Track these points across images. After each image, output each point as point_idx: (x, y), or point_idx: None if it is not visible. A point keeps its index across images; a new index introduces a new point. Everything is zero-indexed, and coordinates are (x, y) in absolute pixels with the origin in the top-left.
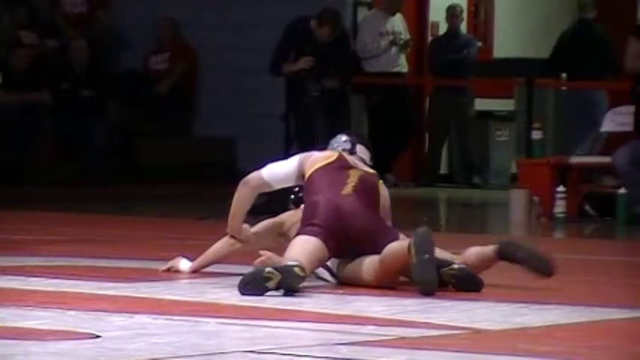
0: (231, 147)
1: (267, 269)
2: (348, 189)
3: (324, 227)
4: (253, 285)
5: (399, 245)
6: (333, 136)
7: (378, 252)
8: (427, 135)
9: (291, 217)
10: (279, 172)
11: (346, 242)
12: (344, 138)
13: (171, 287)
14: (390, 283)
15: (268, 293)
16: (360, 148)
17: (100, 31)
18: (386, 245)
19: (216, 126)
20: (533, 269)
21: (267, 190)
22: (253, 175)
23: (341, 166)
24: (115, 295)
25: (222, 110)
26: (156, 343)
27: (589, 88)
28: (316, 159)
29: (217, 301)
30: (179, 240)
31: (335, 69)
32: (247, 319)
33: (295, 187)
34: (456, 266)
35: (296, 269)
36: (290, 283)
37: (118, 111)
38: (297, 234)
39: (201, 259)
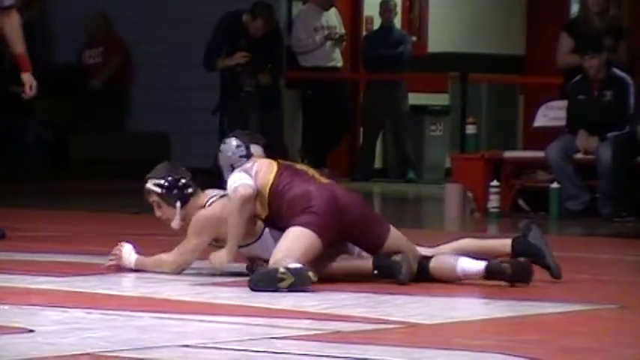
0: (165, 142)
1: (281, 270)
2: (322, 180)
3: (321, 214)
4: (266, 283)
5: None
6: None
7: (374, 240)
8: (362, 130)
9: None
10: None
11: (343, 229)
12: (235, 143)
13: (106, 282)
14: None
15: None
16: (254, 149)
17: (32, 26)
18: (380, 234)
19: (150, 121)
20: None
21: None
22: (245, 193)
23: (287, 166)
24: (49, 290)
25: (155, 105)
26: (90, 338)
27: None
28: (265, 171)
29: (151, 296)
30: (114, 235)
31: (268, 63)
32: (181, 313)
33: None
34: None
35: (310, 274)
36: (302, 286)
37: (50, 106)
38: (294, 223)
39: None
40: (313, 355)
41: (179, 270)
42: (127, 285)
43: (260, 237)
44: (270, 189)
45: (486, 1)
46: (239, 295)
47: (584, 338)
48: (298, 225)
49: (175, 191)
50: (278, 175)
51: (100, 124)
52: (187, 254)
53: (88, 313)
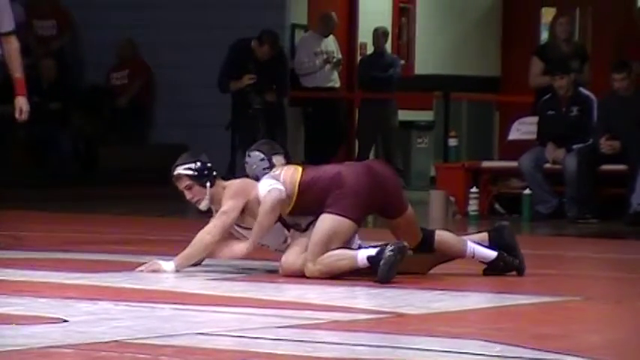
0: (183, 153)
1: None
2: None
3: (352, 195)
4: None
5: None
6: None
7: (393, 212)
8: (357, 143)
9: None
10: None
11: (376, 197)
12: (259, 156)
13: (131, 277)
14: None
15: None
16: (276, 159)
17: (65, 51)
18: (400, 208)
19: (170, 135)
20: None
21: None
22: (278, 196)
23: (311, 167)
24: (81, 284)
25: (175, 121)
26: (117, 327)
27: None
28: (291, 174)
29: (171, 289)
30: (141, 235)
31: (274, 84)
32: (198, 305)
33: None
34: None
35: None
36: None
37: (82, 121)
38: (328, 210)
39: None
40: (313, 342)
41: (222, 232)
42: (150, 280)
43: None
44: (299, 185)
45: (466, 29)
46: (249, 289)
47: (553, 326)
48: (331, 213)
49: (206, 172)
50: (304, 173)
51: (125, 137)
52: (225, 215)
53: (115, 304)
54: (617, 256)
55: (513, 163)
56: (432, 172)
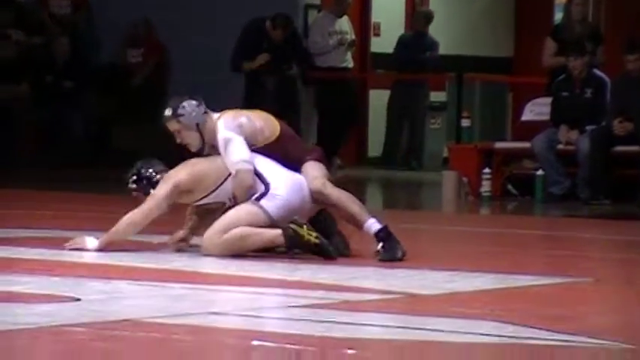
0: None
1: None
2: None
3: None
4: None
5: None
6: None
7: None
8: (386, 123)
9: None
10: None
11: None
12: (193, 102)
13: (143, 256)
14: None
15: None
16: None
17: (80, 30)
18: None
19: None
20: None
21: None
22: (247, 181)
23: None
24: (93, 263)
25: None
26: (130, 306)
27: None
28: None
29: (183, 269)
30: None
31: (287, 65)
32: (209, 284)
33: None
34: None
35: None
36: None
37: (95, 102)
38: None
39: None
40: (325, 322)
41: (146, 213)
42: (161, 259)
43: (220, 186)
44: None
45: (479, 10)
46: (261, 269)
47: (564, 308)
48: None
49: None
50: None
51: (138, 117)
52: (151, 199)
53: (127, 284)
54: (629, 237)
55: (526, 144)
56: (445, 153)
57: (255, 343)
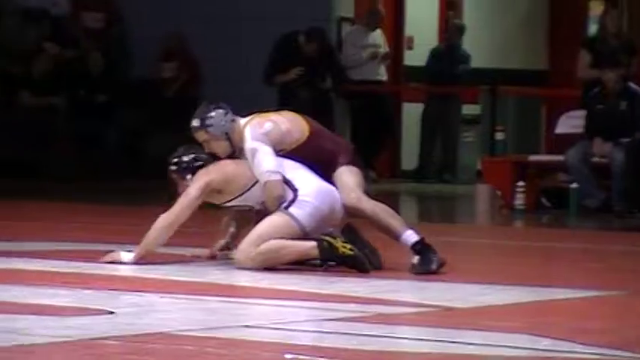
0: None
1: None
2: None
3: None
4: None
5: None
6: None
7: None
8: (420, 135)
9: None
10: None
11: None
12: (221, 111)
13: (177, 269)
14: None
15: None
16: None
17: (114, 44)
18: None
19: None
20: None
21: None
22: (276, 193)
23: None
24: (126, 276)
25: None
26: (163, 319)
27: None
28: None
29: (217, 282)
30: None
31: (320, 77)
32: (243, 297)
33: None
34: None
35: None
36: None
37: (129, 114)
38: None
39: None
40: (359, 335)
41: (178, 214)
42: (195, 272)
43: (248, 190)
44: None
45: (513, 22)
46: (294, 282)
47: (599, 320)
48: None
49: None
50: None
51: (171, 129)
52: (184, 197)
53: (161, 297)
54: None
55: (560, 157)
56: (479, 166)
57: (288, 356)
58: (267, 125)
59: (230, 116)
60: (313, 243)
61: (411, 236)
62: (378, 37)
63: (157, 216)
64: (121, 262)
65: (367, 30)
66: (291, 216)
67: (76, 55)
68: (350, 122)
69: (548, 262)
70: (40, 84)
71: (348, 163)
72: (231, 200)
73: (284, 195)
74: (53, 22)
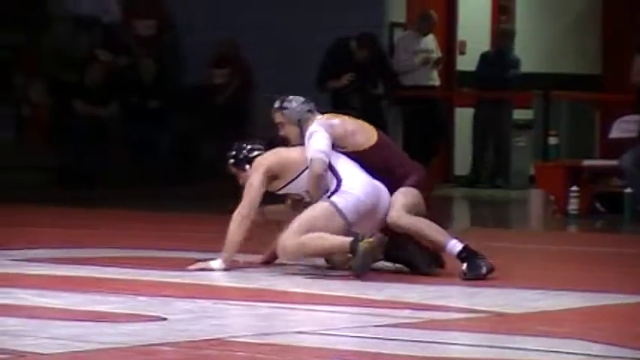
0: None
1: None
2: None
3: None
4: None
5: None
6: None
7: None
8: (472, 141)
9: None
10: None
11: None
12: (300, 99)
13: (229, 275)
14: None
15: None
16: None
17: (165, 51)
18: None
19: (269, 134)
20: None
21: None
22: (319, 171)
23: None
24: (180, 283)
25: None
26: (216, 325)
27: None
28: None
29: (269, 288)
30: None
31: (372, 84)
32: (295, 303)
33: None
34: None
35: None
36: None
37: (181, 120)
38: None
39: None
40: (411, 341)
41: (250, 204)
42: (247, 278)
43: (298, 177)
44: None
45: (566, 26)
46: (346, 288)
47: None
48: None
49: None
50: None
51: (224, 136)
52: (249, 188)
53: (214, 303)
54: None
55: (614, 162)
56: (531, 171)
57: None
58: (335, 120)
59: (307, 106)
60: (349, 238)
61: (455, 246)
62: (430, 42)
63: (206, 223)
64: (211, 270)
65: (419, 35)
66: (334, 205)
67: (128, 62)
68: (402, 128)
69: (601, 267)
70: (92, 92)
71: (412, 185)
72: (284, 187)
73: (326, 179)
74: (105, 29)
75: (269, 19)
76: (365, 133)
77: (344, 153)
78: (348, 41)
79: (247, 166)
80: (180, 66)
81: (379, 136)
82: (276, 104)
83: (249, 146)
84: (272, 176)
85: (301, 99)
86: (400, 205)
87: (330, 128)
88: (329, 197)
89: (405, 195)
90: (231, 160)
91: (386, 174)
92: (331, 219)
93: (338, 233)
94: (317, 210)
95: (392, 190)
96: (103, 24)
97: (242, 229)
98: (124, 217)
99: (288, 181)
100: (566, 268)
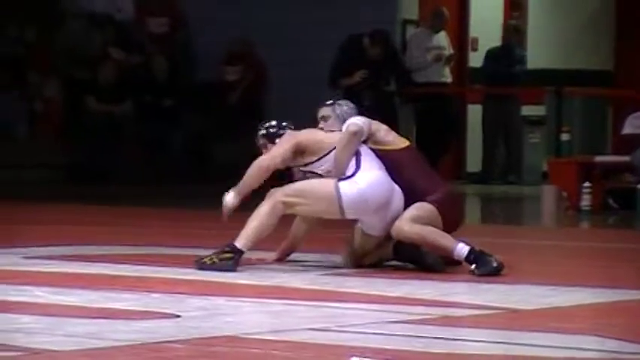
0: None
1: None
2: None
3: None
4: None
5: None
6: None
7: None
8: (482, 138)
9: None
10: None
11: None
12: (351, 104)
13: (242, 273)
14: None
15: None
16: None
17: (179, 49)
18: None
19: None
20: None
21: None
22: (355, 129)
23: None
24: (193, 280)
25: (286, 117)
26: (229, 322)
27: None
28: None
29: (282, 285)
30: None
31: (385, 80)
32: (308, 300)
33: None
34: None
35: None
36: None
37: (195, 118)
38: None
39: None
40: (424, 337)
41: (272, 158)
42: (261, 275)
43: (326, 155)
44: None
45: (579, 23)
46: (360, 285)
47: None
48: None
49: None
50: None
51: (237, 133)
52: (276, 146)
53: (227, 300)
54: None
55: (627, 158)
56: (544, 167)
57: (354, 359)
58: (372, 121)
59: (353, 111)
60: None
61: (462, 249)
62: (442, 39)
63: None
64: (228, 206)
65: (431, 32)
66: (337, 189)
67: (141, 60)
68: (415, 125)
69: (613, 263)
70: (105, 90)
71: (431, 202)
72: (309, 164)
73: (356, 146)
74: (118, 27)
75: (282, 16)
76: (394, 139)
77: (373, 150)
78: (360, 38)
79: (277, 140)
80: (193, 64)
81: (409, 147)
82: (329, 101)
83: (283, 123)
84: (298, 151)
85: (351, 104)
86: (408, 216)
87: (369, 122)
88: (339, 180)
89: (418, 209)
90: (263, 132)
91: (407, 183)
92: (327, 196)
93: (329, 214)
94: (320, 182)
95: (409, 202)
96: (116, 22)
97: (261, 174)
98: (137, 215)
99: (315, 159)
100: (578, 264)
